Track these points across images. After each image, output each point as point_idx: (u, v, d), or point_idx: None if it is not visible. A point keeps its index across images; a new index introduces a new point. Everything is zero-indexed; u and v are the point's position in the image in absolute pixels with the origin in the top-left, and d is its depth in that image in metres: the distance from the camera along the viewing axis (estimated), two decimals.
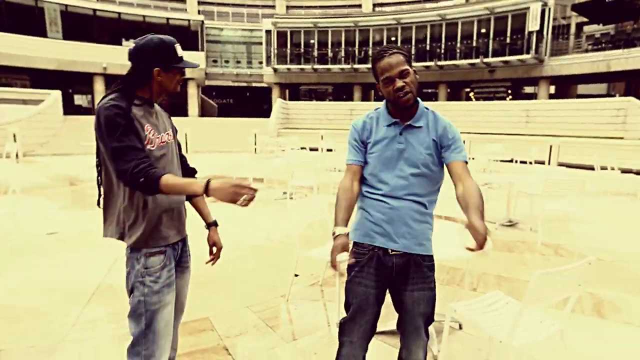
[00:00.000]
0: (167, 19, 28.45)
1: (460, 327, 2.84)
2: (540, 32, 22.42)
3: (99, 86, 25.97)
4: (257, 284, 3.66)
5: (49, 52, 23.95)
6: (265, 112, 27.38)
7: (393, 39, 26.68)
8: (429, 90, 29.37)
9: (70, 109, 22.34)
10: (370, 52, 26.87)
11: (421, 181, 1.69)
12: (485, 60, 23.98)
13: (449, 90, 27.79)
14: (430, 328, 2.64)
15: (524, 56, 22.78)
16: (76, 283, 3.61)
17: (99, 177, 1.64)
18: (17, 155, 12.33)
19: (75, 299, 3.27)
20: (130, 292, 1.63)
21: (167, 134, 1.72)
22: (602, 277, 3.84)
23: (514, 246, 4.83)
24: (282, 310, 3.18)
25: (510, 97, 28.41)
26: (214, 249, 2.03)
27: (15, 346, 2.63)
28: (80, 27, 25.55)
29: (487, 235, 1.41)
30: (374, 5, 33.10)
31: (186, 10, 32.71)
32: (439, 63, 25.32)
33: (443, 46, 25.38)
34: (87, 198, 7.62)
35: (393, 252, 1.68)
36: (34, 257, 4.29)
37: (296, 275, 3.64)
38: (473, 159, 12.30)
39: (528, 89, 29.26)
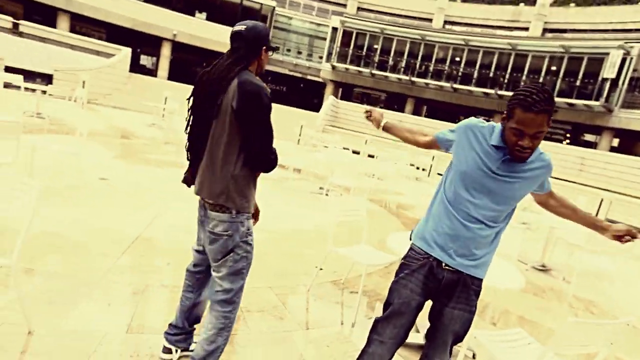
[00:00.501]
0: (241, 0, 29.24)
1: (474, 357, 2.82)
2: (615, 81, 21.30)
3: (166, 51, 27.11)
4: (281, 269, 3.77)
5: (127, 11, 25.26)
6: (315, 107, 27.65)
7: (457, 59, 26.17)
8: (484, 118, 28.51)
9: (135, 67, 23.47)
10: (431, 68, 26.49)
11: (500, 211, 1.67)
12: None
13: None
14: None
15: (592, 102, 21.72)
16: (117, 229, 3.86)
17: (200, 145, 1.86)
18: (83, 101, 13.16)
19: (117, 244, 3.50)
20: (229, 252, 1.85)
21: None
22: (633, 344, 3.67)
23: (542, 292, 4.69)
24: (301, 299, 3.27)
25: (568, 141, 27.17)
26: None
27: (58, 271, 2.87)
28: None
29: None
30: (445, 22, 32.54)
31: None
32: (500, 92, 24.60)
33: (507, 76, 24.63)
34: (138, 153, 8.04)
35: (446, 267, 1.69)
36: (86, 197, 4.62)
37: (320, 269, 3.72)
38: None
39: (589, 137, 27.85)
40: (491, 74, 25.12)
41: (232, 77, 1.74)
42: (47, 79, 15.84)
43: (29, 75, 15.05)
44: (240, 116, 1.72)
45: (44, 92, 9.86)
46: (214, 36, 26.81)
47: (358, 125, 23.74)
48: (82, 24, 25.24)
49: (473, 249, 1.66)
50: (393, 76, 27.42)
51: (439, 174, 14.65)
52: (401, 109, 28.19)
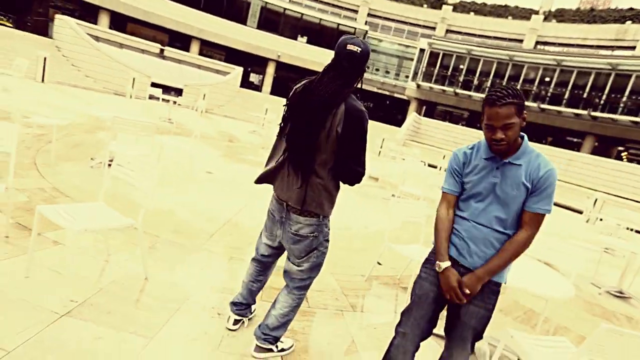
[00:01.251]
0: (338, 24, 30.17)
1: None
2: None
3: (270, 69, 29.12)
4: (345, 261, 3.89)
5: (242, 36, 27.75)
6: (398, 122, 27.27)
7: (547, 79, 23.78)
8: (573, 139, 25.45)
9: (245, 83, 25.61)
10: (518, 87, 24.43)
11: (508, 214, 1.65)
12: None
13: (596, 144, 23.68)
14: (487, 348, 2.55)
15: None
16: (214, 212, 4.36)
17: (307, 161, 1.78)
18: (202, 110, 14.83)
19: (211, 223, 3.97)
20: (313, 250, 1.92)
21: None
22: None
23: (614, 317, 4.12)
24: (359, 287, 3.36)
25: None
26: None
27: (169, 238, 3.37)
28: (271, 20, 28.90)
29: (458, 288, 1.63)
30: (537, 42, 29.80)
31: (356, 19, 34.15)
32: (593, 114, 21.72)
33: (604, 97, 21.65)
34: (238, 154, 8.85)
35: (462, 265, 1.70)
36: (194, 185, 5.28)
37: (379, 264, 3.77)
38: (601, 219, 10.49)
39: None
40: (585, 95, 22.33)
41: (340, 102, 1.70)
42: (179, 92, 18.11)
43: (167, 90, 17.39)
44: (343, 139, 1.72)
45: (175, 102, 11.32)
46: (313, 57, 28.08)
47: (438, 141, 22.86)
48: (208, 48, 28.31)
49: (486, 249, 1.66)
50: (477, 95, 25.88)
51: None
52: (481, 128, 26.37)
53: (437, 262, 1.70)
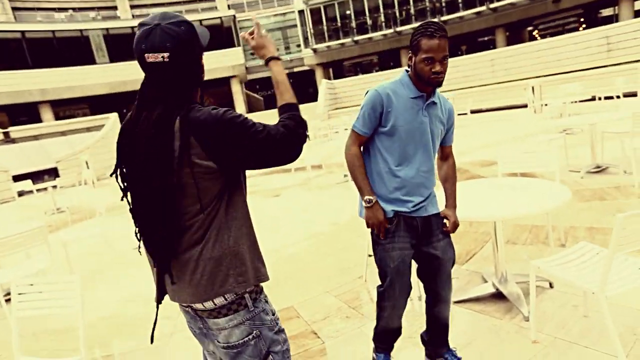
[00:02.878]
0: (200, 21, 29.52)
1: (551, 286, 2.82)
2: None
3: None
4: (333, 269, 3.87)
5: (98, 77, 26.09)
6: (312, 96, 27.61)
7: None
8: (485, 39, 27.69)
9: None
10: (412, 11, 25.88)
11: (433, 152, 1.99)
12: None
13: (507, 33, 25.98)
14: (517, 289, 2.68)
15: None
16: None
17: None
18: (93, 181, 13.77)
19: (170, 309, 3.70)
20: (266, 356, 1.36)
21: None
22: None
23: (605, 193, 4.57)
24: (361, 292, 3.36)
25: (584, 26, 25.89)
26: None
27: (127, 349, 3.08)
28: (123, 47, 27.45)
29: (457, 223, 2.05)
30: None
31: (216, 8, 33.68)
32: (492, 5, 23.75)
33: None
34: None
35: (415, 215, 1.95)
36: (127, 270, 4.89)
37: (370, 256, 3.79)
38: (546, 105, 11.55)
39: (606, 12, 26.44)
40: None
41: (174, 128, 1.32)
42: (54, 172, 16.64)
43: (37, 176, 15.87)
44: (218, 159, 1.25)
45: (54, 187, 10.38)
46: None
47: (359, 98, 23.55)
48: (64, 108, 26.29)
49: (427, 189, 1.98)
50: (377, 35, 27.00)
51: (459, 114, 14.32)
52: (398, 64, 27.73)
53: (365, 197, 1.90)
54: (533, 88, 13.54)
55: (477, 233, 4.02)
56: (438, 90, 1.92)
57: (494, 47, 24.90)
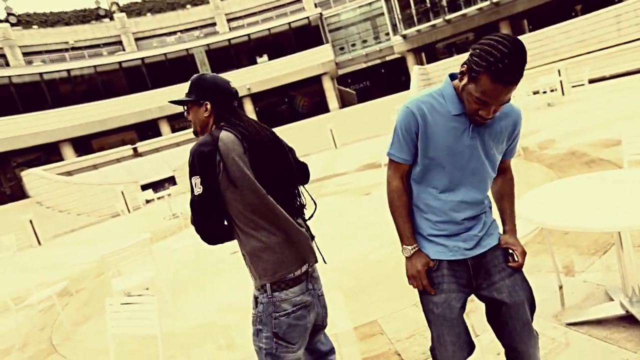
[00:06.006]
0: (289, 23, 30.41)
1: None
2: None
3: (249, 107, 29.58)
4: (385, 301, 3.49)
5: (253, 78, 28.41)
6: (405, 84, 26.65)
7: None
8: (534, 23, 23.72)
9: None
10: None
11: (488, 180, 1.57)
12: None
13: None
14: None
15: None
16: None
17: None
18: None
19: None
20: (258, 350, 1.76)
21: None
22: None
23: None
24: (414, 322, 2.96)
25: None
26: None
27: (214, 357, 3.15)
28: (223, 60, 29.51)
29: (525, 251, 1.58)
30: None
31: (304, 8, 34.35)
32: None
33: None
34: None
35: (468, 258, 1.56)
36: (224, 275, 5.10)
37: None
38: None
39: None
40: None
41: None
42: (173, 180, 18.61)
43: (158, 185, 17.91)
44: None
45: (169, 194, 11.52)
46: (281, 71, 28.30)
47: None
48: (178, 121, 29.23)
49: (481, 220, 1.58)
50: (471, 9, 24.95)
51: (574, 86, 12.48)
52: None
53: (404, 246, 1.58)
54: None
55: (597, 233, 3.32)
56: None
57: (620, 1, 21.24)
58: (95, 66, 27.43)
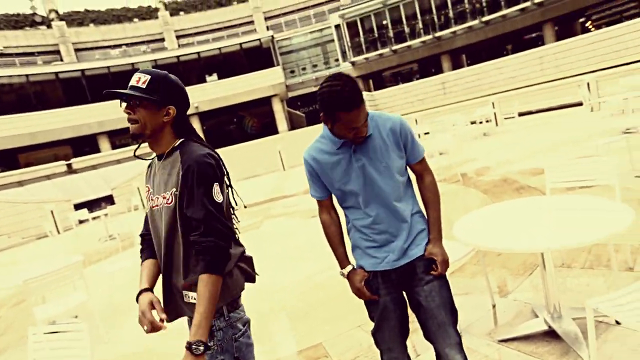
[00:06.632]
0: (240, 44, 30.51)
1: (618, 322, 2.39)
2: None
3: (196, 123, 28.98)
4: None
5: None
6: None
7: None
8: (533, 35, 26.28)
9: None
10: (451, 14, 25.19)
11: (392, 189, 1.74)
12: None
13: (556, 28, 24.53)
14: (575, 327, 2.30)
15: None
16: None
17: None
18: (143, 206, 14.38)
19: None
20: None
21: (162, 196, 1.50)
22: None
23: None
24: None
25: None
26: None
27: None
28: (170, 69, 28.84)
29: (447, 261, 1.75)
30: None
31: (255, 30, 34.69)
32: (536, 0, 22.55)
33: None
34: None
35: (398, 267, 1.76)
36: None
37: None
38: (604, 102, 10.61)
39: None
40: None
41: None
42: (110, 200, 17.61)
43: (94, 204, 16.86)
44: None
45: (106, 214, 10.89)
46: (230, 91, 28.13)
47: (402, 108, 23.11)
48: (119, 137, 27.94)
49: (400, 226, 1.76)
50: (416, 42, 26.51)
51: (506, 118, 13.56)
52: (439, 71, 26.98)
53: (340, 270, 1.82)
54: (588, 84, 12.53)
55: (526, 255, 3.59)
56: (370, 115, 1.69)
57: (542, 44, 23.55)
58: (27, 75, 25.71)
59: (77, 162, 21.83)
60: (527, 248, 2.08)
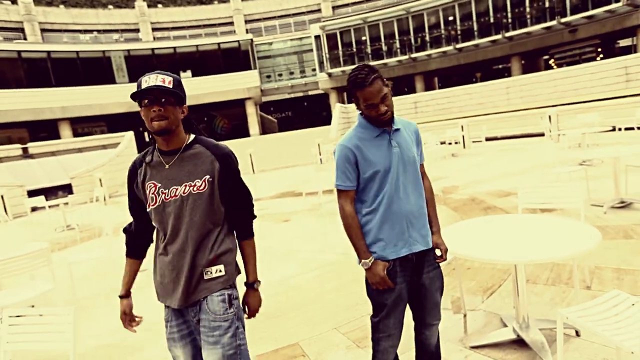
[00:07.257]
0: (218, 44, 30.24)
1: (578, 334, 2.61)
2: None
3: None
4: (341, 303, 3.69)
5: (117, 97, 26.69)
6: (326, 119, 27.78)
7: (450, 18, 25.69)
8: (500, 66, 27.69)
9: (143, 145, 24.59)
10: (427, 38, 26.12)
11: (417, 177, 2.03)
12: (563, 20, 22.08)
13: (523, 62, 25.97)
14: (541, 337, 2.48)
15: (613, 5, 20.58)
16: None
17: None
18: (104, 198, 13.84)
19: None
20: None
21: (188, 185, 1.62)
22: None
23: (631, 231, 4.34)
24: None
25: (601, 56, 25.74)
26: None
27: None
28: (140, 67, 28.17)
29: (447, 248, 2.06)
30: None
31: (235, 32, 34.51)
32: (508, 34, 23.84)
33: (509, 14, 23.88)
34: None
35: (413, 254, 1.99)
36: (136, 291, 4.75)
37: None
38: (564, 134, 11.33)
39: (624, 42, 26.30)
40: (492, 19, 24.46)
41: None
42: (68, 189, 16.83)
43: (51, 192, 16.07)
44: None
45: (66, 203, 10.42)
46: (204, 89, 27.74)
47: None
48: (83, 125, 26.89)
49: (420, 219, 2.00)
50: (392, 60, 27.24)
51: (474, 141, 14.18)
52: (412, 90, 27.82)
53: (363, 260, 1.91)
54: (550, 117, 13.35)
55: (495, 269, 3.81)
56: (397, 116, 1.98)
57: (509, 75, 24.85)
58: None
59: (34, 146, 20.76)
60: (504, 259, 2.24)
